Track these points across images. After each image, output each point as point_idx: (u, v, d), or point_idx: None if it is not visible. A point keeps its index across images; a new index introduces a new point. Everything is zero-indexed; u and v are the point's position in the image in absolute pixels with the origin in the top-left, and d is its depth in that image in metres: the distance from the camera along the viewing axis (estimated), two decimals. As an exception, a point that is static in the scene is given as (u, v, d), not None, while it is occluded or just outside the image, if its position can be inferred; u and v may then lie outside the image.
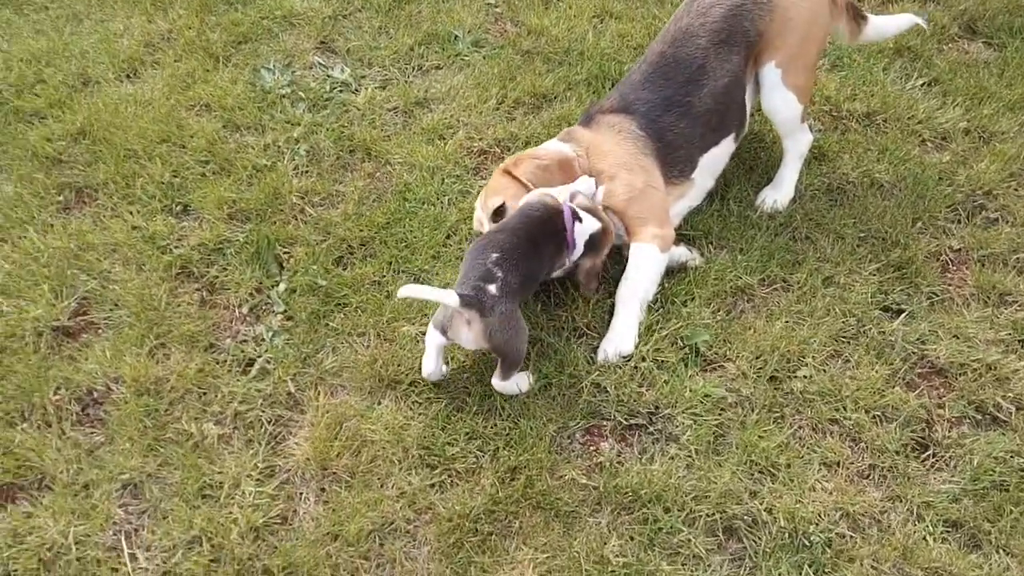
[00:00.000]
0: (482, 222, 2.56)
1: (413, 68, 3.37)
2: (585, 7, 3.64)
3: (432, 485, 2.20)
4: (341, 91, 3.25)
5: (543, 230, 2.38)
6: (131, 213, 2.78)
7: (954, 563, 2.13)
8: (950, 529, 2.21)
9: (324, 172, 2.96)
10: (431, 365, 2.30)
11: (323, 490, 2.19)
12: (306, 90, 3.22)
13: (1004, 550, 2.17)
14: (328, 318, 2.53)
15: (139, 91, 3.23)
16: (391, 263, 2.68)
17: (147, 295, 2.53)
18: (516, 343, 2.24)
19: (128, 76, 3.32)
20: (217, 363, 2.41)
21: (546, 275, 2.47)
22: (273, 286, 2.60)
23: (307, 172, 2.95)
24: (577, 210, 2.45)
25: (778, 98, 2.78)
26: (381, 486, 2.19)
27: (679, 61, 2.67)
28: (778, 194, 2.94)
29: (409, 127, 3.14)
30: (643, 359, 2.47)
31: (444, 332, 2.24)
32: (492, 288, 2.19)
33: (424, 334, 2.36)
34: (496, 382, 2.30)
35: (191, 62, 3.29)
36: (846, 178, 3.05)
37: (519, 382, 2.34)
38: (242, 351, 2.44)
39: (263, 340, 2.47)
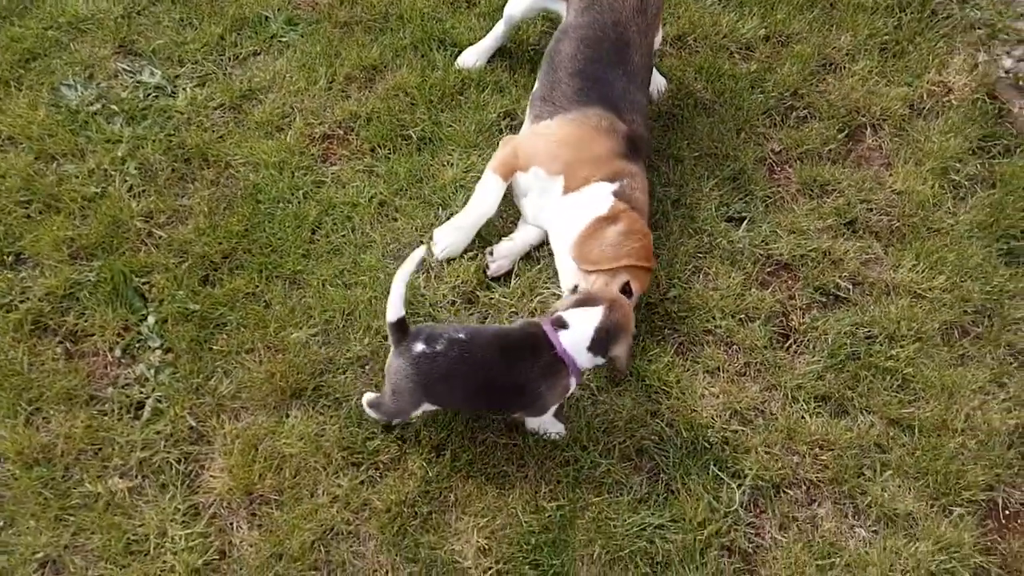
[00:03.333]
0: None
1: (229, 59, 3.23)
2: (392, -34, 3.61)
3: (362, 482, 2.27)
4: (157, 96, 3.07)
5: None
6: (-47, 274, 2.56)
7: (830, 432, 2.49)
8: (821, 403, 2.58)
9: (162, 188, 2.82)
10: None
11: (254, 515, 2.20)
12: (118, 102, 3.02)
13: (867, 411, 2.56)
14: (210, 342, 2.48)
15: (-82, 134, 2.90)
16: (261, 271, 2.65)
17: (4, 361, 2.36)
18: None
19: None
20: (104, 415, 2.32)
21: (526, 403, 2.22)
22: (141, 321, 2.50)
23: (144, 191, 2.81)
24: (562, 316, 2.15)
25: None
26: (312, 496, 2.24)
27: None
28: None
29: (242, 123, 3.04)
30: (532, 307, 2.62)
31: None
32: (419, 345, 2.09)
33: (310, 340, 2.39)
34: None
35: (-27, 91, 2.99)
36: (674, 103, 3.29)
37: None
38: (127, 396, 2.36)
39: (147, 379, 2.40)
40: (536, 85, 2.96)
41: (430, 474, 2.28)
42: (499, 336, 2.16)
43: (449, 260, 2.70)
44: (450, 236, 2.69)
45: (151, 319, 2.49)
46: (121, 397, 2.35)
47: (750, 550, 2.30)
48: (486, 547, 2.21)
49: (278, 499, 2.22)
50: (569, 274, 2.60)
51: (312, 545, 2.15)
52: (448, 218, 2.79)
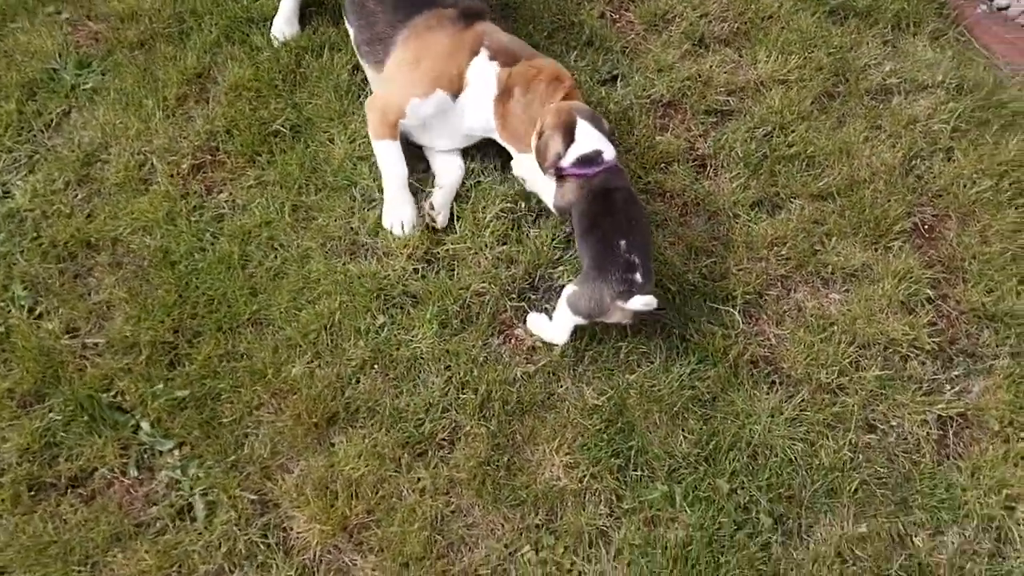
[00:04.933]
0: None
1: (42, 130, 2.94)
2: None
3: (436, 465, 2.41)
4: (-10, 204, 2.79)
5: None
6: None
7: (776, 228, 2.89)
8: (757, 208, 2.96)
9: (65, 295, 2.62)
10: (566, 337, 2.52)
11: (361, 544, 2.30)
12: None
13: (793, 197, 2.96)
14: (218, 417, 2.45)
15: None
16: (220, 329, 2.58)
17: (29, 538, 2.23)
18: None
19: None
20: (162, 534, 2.28)
21: None
22: (135, 432, 2.41)
23: (48, 308, 2.60)
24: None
25: None
26: (401, 499, 2.36)
27: None
28: None
29: (101, 193, 2.82)
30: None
31: (591, 317, 2.43)
32: (638, 276, 2.36)
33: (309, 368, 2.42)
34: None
35: None
36: (502, -8, 3.37)
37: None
38: (171, 506, 2.32)
39: (178, 481, 2.35)
40: (351, 32, 2.95)
41: (491, 427, 2.45)
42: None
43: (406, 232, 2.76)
44: (393, 213, 2.73)
45: (145, 425, 2.41)
46: (166, 510, 2.30)
47: (767, 353, 2.68)
48: (570, 462, 2.44)
49: (374, 519, 2.32)
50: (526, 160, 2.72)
51: (428, 539, 2.29)
52: (362, 197, 2.82)
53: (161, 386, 2.46)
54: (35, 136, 2.94)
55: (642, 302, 2.32)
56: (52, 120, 2.97)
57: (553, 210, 2.67)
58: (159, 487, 2.35)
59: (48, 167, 2.85)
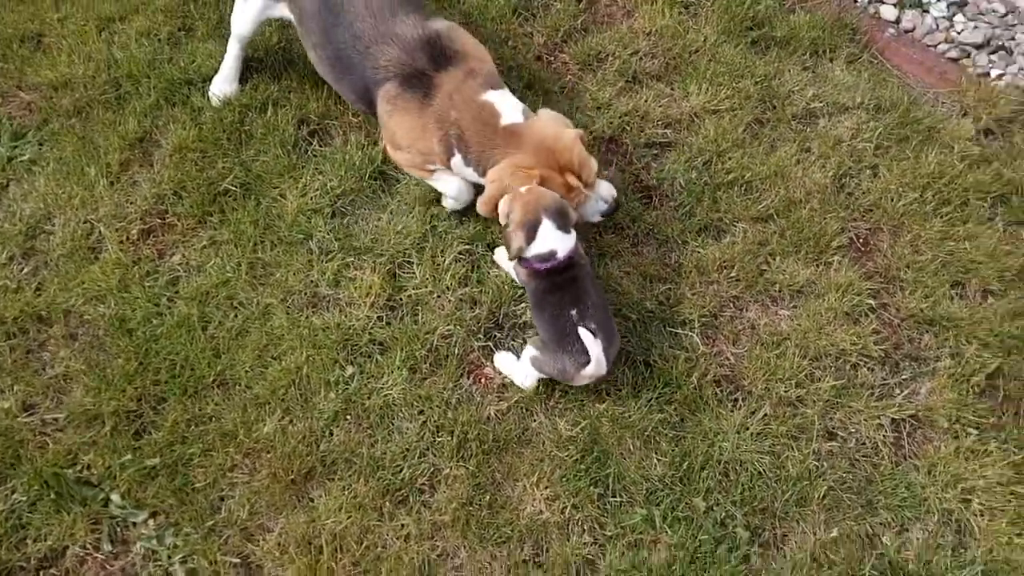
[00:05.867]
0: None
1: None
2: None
3: (419, 511, 2.46)
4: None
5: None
6: None
7: (722, 252, 3.04)
8: (703, 234, 3.12)
9: (18, 372, 2.60)
10: (532, 386, 2.66)
11: (350, 597, 2.32)
12: None
13: (735, 221, 3.14)
14: (190, 483, 2.45)
15: None
16: (185, 393, 2.60)
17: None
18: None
19: None
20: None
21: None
22: (105, 505, 2.39)
23: (3, 387, 2.58)
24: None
25: None
26: (386, 548, 2.40)
27: None
28: None
29: (48, 266, 2.82)
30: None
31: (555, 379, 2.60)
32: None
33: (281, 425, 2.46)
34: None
35: None
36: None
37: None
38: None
39: (155, 551, 2.34)
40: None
41: (470, 468, 2.52)
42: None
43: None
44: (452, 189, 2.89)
45: (115, 497, 2.39)
46: (145, 582, 2.29)
47: (727, 372, 2.83)
48: (551, 495, 2.52)
49: (361, 571, 2.35)
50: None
51: (419, 584, 2.34)
52: (319, 249, 2.89)
53: (129, 456, 2.46)
54: (-31, 226, 2.92)
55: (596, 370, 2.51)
56: (-17, 207, 2.95)
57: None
58: (135, 559, 2.34)
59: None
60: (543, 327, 2.60)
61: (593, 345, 2.45)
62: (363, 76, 2.79)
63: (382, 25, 2.75)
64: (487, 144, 2.70)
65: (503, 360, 2.70)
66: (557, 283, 2.58)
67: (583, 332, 2.47)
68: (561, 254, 2.58)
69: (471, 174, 2.80)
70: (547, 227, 2.55)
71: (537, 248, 2.57)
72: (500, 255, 2.88)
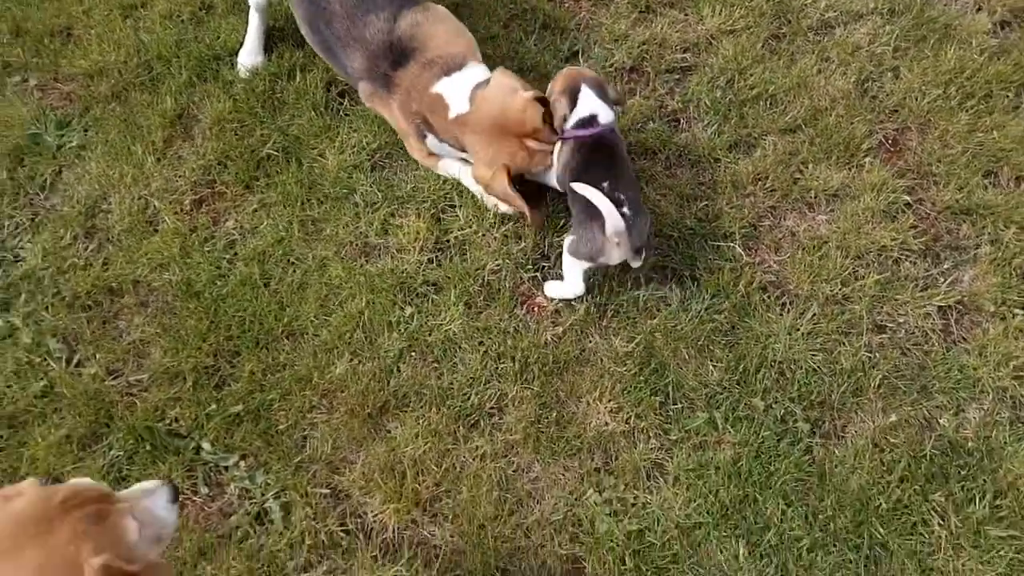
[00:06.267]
0: None
1: (38, 192, 3.06)
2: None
3: (490, 432, 2.59)
4: (6, 271, 2.88)
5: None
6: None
7: (755, 166, 3.11)
8: (734, 150, 3.18)
9: (98, 341, 2.73)
10: (581, 286, 2.73)
11: (436, 515, 2.47)
12: (-28, 299, 2.81)
13: (764, 135, 3.20)
14: (274, 426, 2.59)
15: None
16: (258, 345, 2.73)
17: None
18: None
19: None
20: (244, 540, 2.41)
21: None
22: (197, 452, 2.54)
23: (85, 357, 2.72)
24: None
25: None
26: (463, 468, 2.52)
27: None
28: None
29: (111, 241, 2.95)
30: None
31: (593, 259, 2.64)
32: (626, 210, 2.58)
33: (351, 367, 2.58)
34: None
35: None
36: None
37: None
38: (248, 514, 2.45)
39: (248, 491, 2.48)
40: None
41: (534, 389, 2.63)
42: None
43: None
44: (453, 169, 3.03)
45: (205, 445, 2.53)
46: (244, 519, 2.43)
47: (772, 279, 2.91)
48: (614, 407, 2.63)
49: (444, 490, 2.48)
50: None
51: (498, 499, 2.46)
52: (364, 201, 3.00)
53: (213, 407, 2.59)
54: (32, 200, 3.06)
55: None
56: (46, 181, 3.08)
57: (557, 186, 2.89)
58: (232, 499, 2.48)
59: (52, 226, 2.97)
60: (576, 200, 2.68)
61: (602, 201, 2.54)
62: (346, 70, 2.98)
63: (354, 29, 2.88)
64: (449, 131, 2.85)
65: (552, 287, 2.80)
66: (597, 157, 2.70)
67: (590, 191, 2.56)
68: (603, 119, 2.73)
69: (450, 150, 2.93)
70: (587, 93, 2.73)
71: (580, 112, 2.73)
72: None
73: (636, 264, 2.68)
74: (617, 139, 2.80)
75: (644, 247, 2.65)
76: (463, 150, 2.89)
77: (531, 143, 2.79)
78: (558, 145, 2.81)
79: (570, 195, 2.73)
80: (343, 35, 2.90)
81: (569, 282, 2.74)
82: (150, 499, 1.70)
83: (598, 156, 2.71)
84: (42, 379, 2.65)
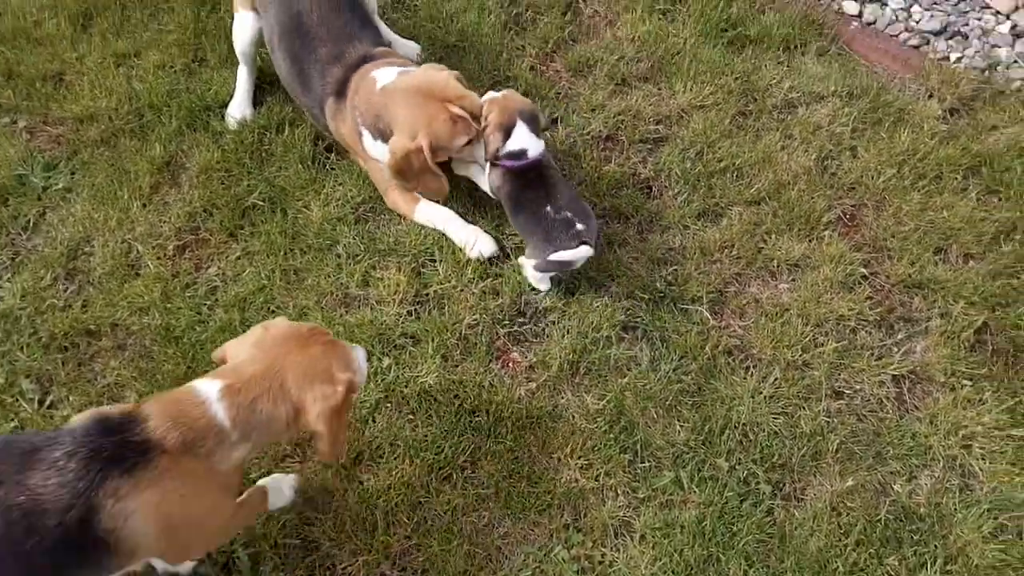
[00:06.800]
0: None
1: (20, 232, 3.06)
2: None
3: (462, 486, 2.61)
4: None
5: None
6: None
7: (721, 235, 3.24)
8: (702, 219, 3.31)
9: (72, 384, 2.72)
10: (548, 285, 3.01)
11: (404, 568, 2.46)
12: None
13: (731, 206, 3.34)
14: (244, 475, 2.58)
15: None
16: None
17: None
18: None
19: None
20: None
21: None
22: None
23: (56, 399, 2.70)
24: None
25: None
26: (436, 521, 2.53)
27: None
28: None
29: (92, 284, 2.96)
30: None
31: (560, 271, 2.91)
32: (579, 226, 2.83)
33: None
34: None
35: None
36: (432, 58, 3.70)
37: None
38: (215, 563, 2.43)
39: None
40: None
41: (507, 443, 2.68)
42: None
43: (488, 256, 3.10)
44: (468, 236, 3.09)
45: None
46: (211, 569, 2.41)
47: (737, 342, 3.02)
48: (584, 464, 2.68)
49: (414, 543, 2.50)
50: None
51: (468, 554, 2.49)
52: (347, 253, 3.06)
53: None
54: (14, 239, 3.06)
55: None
56: (29, 222, 3.10)
57: (489, 193, 3.12)
58: None
59: (33, 266, 2.97)
60: (527, 229, 2.92)
61: (573, 254, 2.80)
62: (318, 93, 3.10)
63: (335, 49, 3.06)
64: (373, 110, 2.95)
65: (528, 267, 2.99)
66: (530, 179, 2.92)
67: (564, 255, 2.80)
68: (531, 154, 2.92)
69: (381, 151, 3.00)
70: (521, 128, 2.91)
71: (511, 147, 2.90)
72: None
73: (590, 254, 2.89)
74: (549, 164, 3.01)
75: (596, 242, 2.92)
76: (386, 142, 2.96)
77: (454, 108, 2.89)
78: (487, 166, 3.03)
79: (516, 218, 2.97)
80: (326, 57, 3.06)
81: (538, 283, 3.00)
82: (357, 351, 2.19)
83: (531, 175, 2.94)
84: (12, 420, 2.63)
